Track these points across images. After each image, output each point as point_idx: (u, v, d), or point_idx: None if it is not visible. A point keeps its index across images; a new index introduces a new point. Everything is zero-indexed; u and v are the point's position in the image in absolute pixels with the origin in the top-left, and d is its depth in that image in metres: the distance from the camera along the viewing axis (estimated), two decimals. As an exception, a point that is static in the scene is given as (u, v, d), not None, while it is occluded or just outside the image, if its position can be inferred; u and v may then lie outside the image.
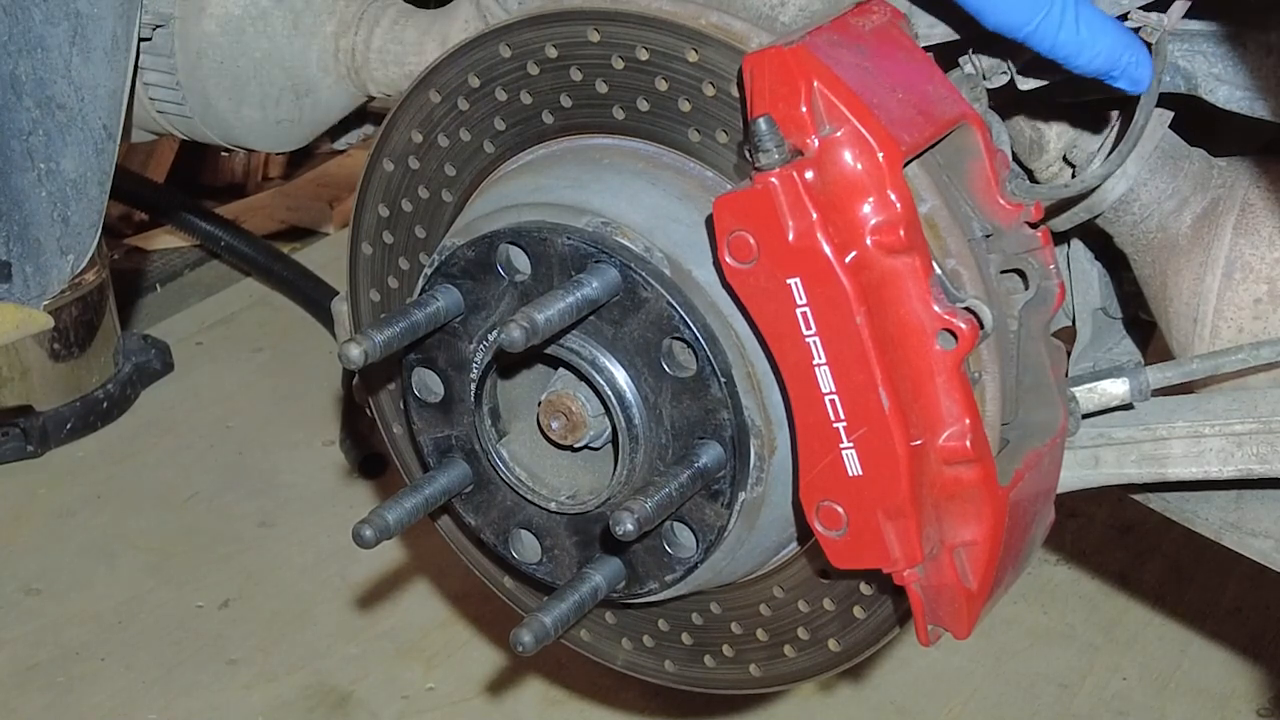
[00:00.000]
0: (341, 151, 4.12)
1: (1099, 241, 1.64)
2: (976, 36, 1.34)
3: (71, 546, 2.84)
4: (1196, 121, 1.54)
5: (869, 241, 1.20)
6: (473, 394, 1.41)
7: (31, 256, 1.86)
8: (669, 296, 1.30)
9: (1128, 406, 1.48)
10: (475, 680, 2.50)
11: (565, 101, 1.40)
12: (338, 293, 1.69)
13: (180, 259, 3.80)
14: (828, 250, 1.17)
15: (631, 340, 1.33)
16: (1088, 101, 1.47)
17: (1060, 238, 1.63)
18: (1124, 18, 1.35)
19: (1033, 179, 1.57)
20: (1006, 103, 1.45)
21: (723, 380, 1.30)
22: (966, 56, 1.39)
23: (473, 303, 1.39)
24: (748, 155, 1.19)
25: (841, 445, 1.22)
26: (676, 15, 1.32)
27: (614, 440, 1.37)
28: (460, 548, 1.65)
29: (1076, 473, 1.51)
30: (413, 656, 2.55)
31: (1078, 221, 1.55)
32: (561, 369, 1.40)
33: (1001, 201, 1.32)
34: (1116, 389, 1.47)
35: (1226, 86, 1.43)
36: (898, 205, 1.20)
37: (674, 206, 1.34)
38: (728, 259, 1.21)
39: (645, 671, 1.58)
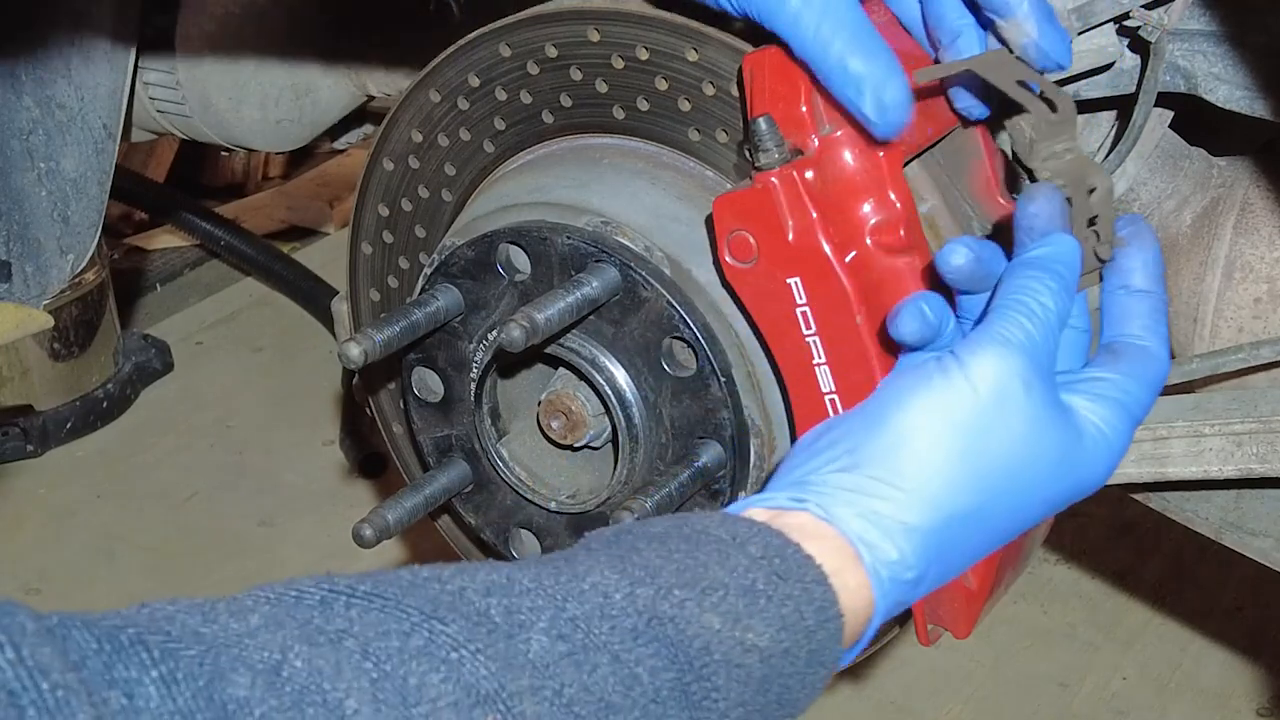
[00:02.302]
0: (341, 151, 4.12)
1: (1099, 241, 1.63)
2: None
3: (71, 546, 2.83)
4: (1196, 121, 1.54)
5: (869, 241, 1.19)
6: (473, 393, 1.41)
7: (31, 256, 1.86)
8: (669, 296, 1.30)
9: (1128, 406, 1.48)
10: (475, 680, 2.49)
11: (565, 101, 1.40)
12: (338, 293, 1.68)
13: (180, 259, 3.80)
14: (828, 250, 1.17)
15: (631, 340, 1.32)
16: (1087, 101, 1.47)
17: (1060, 237, 1.62)
18: (1125, 16, 1.35)
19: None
20: (1006, 102, 1.45)
21: (723, 380, 1.30)
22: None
23: (473, 302, 1.39)
24: (748, 155, 1.19)
25: (841, 445, 1.22)
26: (677, 15, 1.32)
27: (614, 440, 1.37)
28: (460, 547, 1.65)
29: (1076, 472, 1.50)
30: (413, 656, 2.55)
31: (1078, 221, 1.55)
32: (561, 369, 1.39)
33: (1001, 201, 1.32)
34: (1116, 389, 1.47)
35: (1226, 86, 1.43)
36: (898, 205, 1.19)
37: (674, 206, 1.33)
38: (728, 258, 1.20)
39: (645, 671, 1.58)
